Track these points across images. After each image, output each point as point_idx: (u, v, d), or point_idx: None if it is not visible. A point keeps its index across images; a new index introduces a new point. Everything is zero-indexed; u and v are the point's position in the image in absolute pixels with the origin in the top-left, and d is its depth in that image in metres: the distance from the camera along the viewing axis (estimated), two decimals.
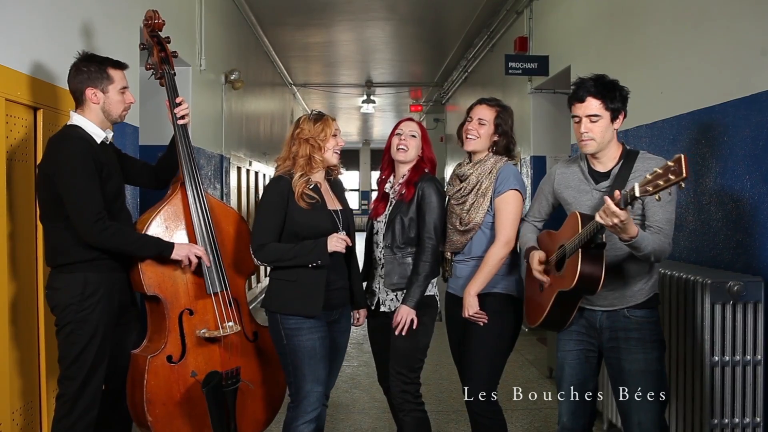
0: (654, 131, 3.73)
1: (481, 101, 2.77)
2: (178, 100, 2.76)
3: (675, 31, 3.58)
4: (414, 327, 2.62)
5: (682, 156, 1.81)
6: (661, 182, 1.86)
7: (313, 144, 2.59)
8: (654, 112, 3.70)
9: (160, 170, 2.83)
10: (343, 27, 8.39)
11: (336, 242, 2.51)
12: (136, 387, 2.54)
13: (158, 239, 2.57)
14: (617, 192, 2.00)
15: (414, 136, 2.77)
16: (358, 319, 2.82)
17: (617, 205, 1.98)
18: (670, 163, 1.84)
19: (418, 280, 2.63)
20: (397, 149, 2.76)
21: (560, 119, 6.09)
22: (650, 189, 1.88)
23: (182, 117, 2.75)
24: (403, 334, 2.62)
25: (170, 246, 2.55)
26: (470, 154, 2.78)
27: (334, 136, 2.63)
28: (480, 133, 2.70)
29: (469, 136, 2.72)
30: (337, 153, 2.64)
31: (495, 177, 2.66)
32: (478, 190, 2.67)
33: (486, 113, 2.72)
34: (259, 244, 2.54)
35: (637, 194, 1.91)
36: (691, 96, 3.39)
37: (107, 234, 2.40)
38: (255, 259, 2.57)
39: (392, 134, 2.81)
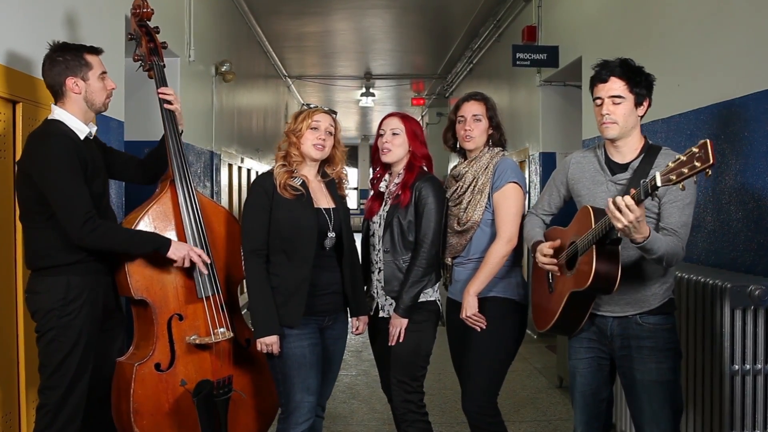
0: (671, 126, 3.74)
1: (468, 98, 2.79)
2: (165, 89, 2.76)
3: (693, 20, 3.58)
4: (401, 337, 2.64)
5: (708, 141, 1.77)
6: (685, 170, 1.81)
7: (290, 138, 2.60)
8: (670, 105, 3.70)
9: (148, 164, 2.82)
10: (340, 15, 8.39)
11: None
12: (122, 397, 2.54)
13: (154, 234, 2.55)
14: (633, 190, 1.97)
15: (396, 134, 2.73)
16: (357, 327, 2.78)
17: (634, 198, 1.93)
18: (695, 149, 1.79)
19: (406, 286, 2.63)
20: (381, 151, 2.76)
21: (571, 113, 6.09)
22: (673, 178, 1.83)
23: (168, 102, 2.74)
24: (401, 341, 2.65)
25: (167, 242, 2.52)
26: (465, 153, 2.80)
27: (314, 129, 2.58)
28: (479, 130, 2.72)
29: (470, 136, 2.73)
30: (319, 148, 2.59)
31: (492, 172, 2.67)
32: (475, 187, 2.68)
33: (478, 108, 2.75)
34: (250, 250, 2.55)
35: (659, 183, 1.86)
36: (709, 89, 3.39)
37: (98, 233, 2.39)
38: (243, 262, 2.58)
39: (377, 134, 2.81)
